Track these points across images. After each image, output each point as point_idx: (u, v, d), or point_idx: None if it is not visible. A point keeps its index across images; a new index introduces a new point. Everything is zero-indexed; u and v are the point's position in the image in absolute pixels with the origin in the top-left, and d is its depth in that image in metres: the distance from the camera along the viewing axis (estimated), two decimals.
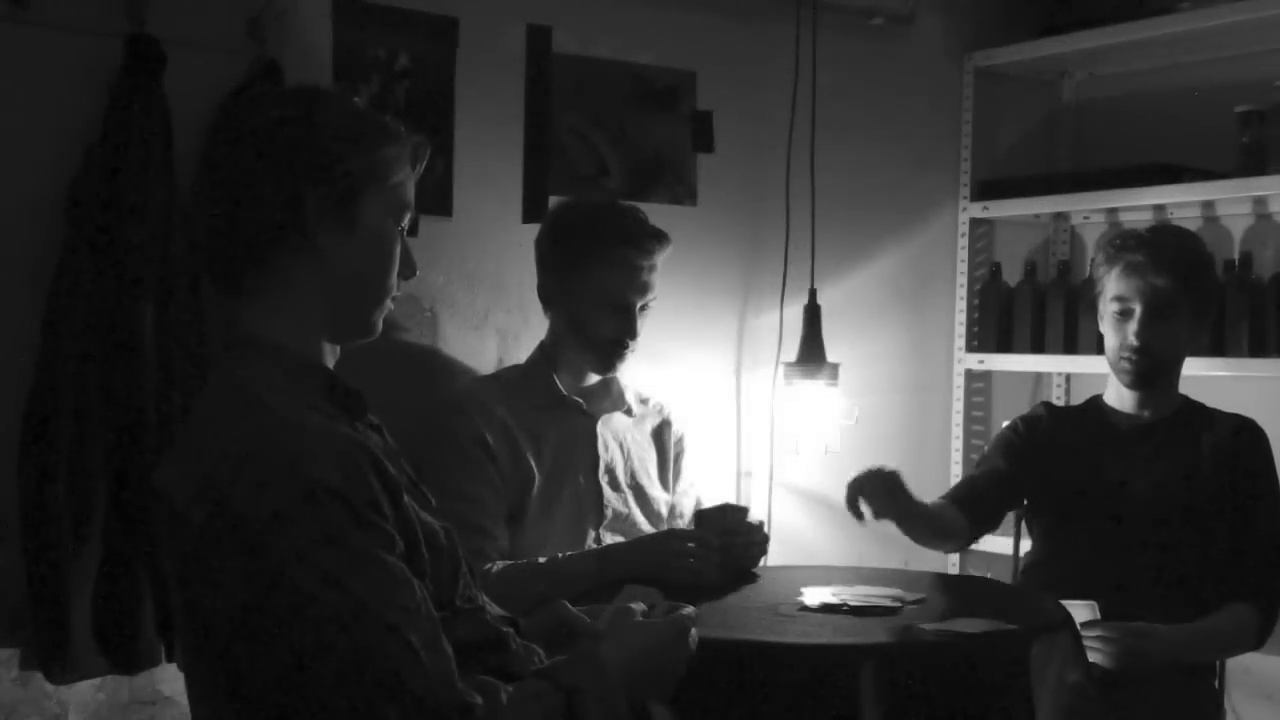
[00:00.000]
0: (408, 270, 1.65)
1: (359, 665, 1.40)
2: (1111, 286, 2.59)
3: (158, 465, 1.66)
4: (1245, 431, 2.63)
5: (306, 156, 1.53)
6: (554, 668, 1.58)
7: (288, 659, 1.41)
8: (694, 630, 1.70)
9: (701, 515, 2.46)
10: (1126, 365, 2.60)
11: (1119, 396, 2.70)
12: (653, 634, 1.66)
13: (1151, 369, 2.59)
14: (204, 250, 1.60)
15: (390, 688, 1.40)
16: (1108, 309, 2.62)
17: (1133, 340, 2.56)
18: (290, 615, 1.40)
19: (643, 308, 2.51)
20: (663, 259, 2.50)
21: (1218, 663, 2.66)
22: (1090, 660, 2.21)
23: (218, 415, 1.54)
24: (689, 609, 1.74)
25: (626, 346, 2.50)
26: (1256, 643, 2.53)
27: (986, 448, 2.92)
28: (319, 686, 1.40)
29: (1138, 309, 2.56)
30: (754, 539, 2.43)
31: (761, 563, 2.48)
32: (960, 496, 2.72)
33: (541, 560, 2.34)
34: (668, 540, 2.36)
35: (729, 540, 2.36)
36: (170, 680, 2.39)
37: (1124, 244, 2.59)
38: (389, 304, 1.65)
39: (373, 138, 1.58)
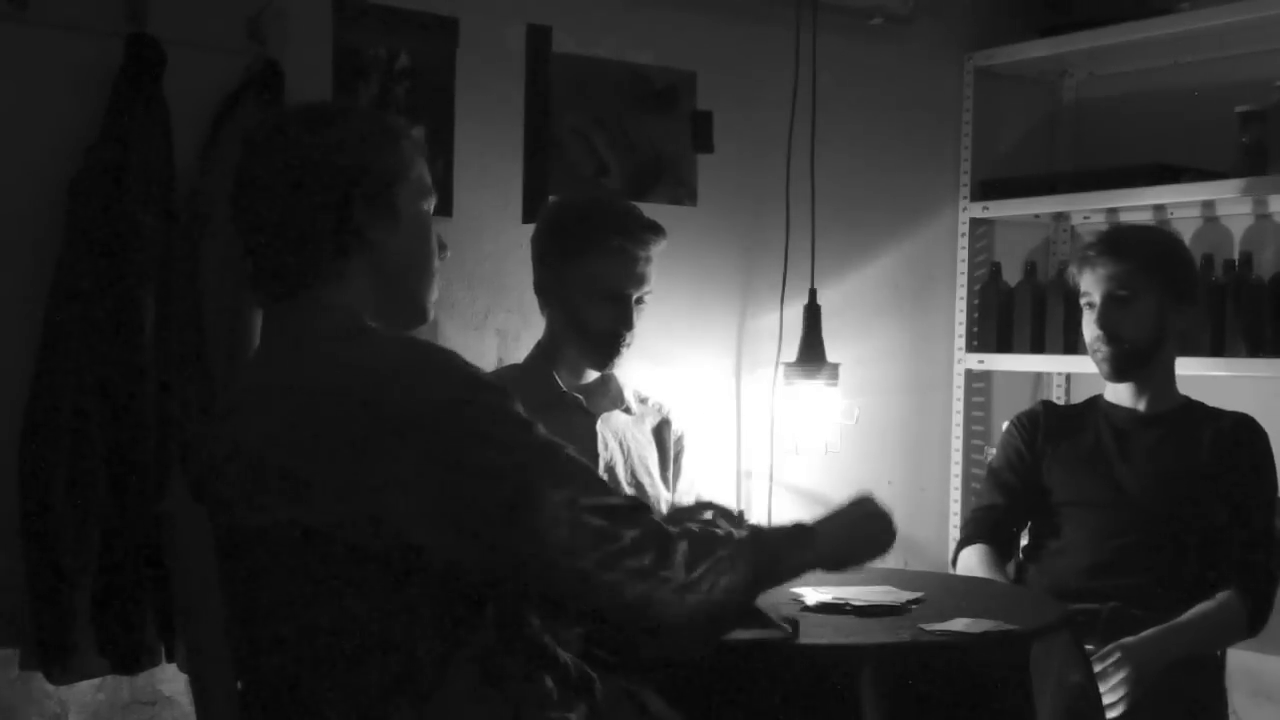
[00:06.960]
0: (441, 250, 1.73)
1: (564, 489, 1.52)
2: (1081, 286, 2.66)
3: (205, 432, 1.70)
4: (1245, 427, 2.65)
5: (347, 162, 1.62)
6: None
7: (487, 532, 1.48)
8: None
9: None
10: (1099, 355, 2.65)
11: (1115, 392, 2.72)
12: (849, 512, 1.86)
13: (1122, 355, 2.62)
14: (257, 263, 1.64)
15: (602, 509, 1.52)
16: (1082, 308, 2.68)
17: (1096, 329, 2.61)
18: (483, 478, 1.48)
19: (638, 301, 2.51)
20: (658, 252, 2.50)
21: (1223, 661, 2.67)
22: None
23: (311, 352, 1.57)
24: None
25: (622, 339, 2.50)
26: (1249, 631, 2.54)
27: (992, 455, 2.92)
28: (525, 542, 1.48)
29: (1097, 299, 2.60)
30: None
31: None
32: (985, 532, 2.75)
33: None
34: None
35: None
36: (170, 680, 2.39)
37: (1086, 245, 2.67)
38: (437, 287, 1.73)
39: (391, 136, 1.68)
